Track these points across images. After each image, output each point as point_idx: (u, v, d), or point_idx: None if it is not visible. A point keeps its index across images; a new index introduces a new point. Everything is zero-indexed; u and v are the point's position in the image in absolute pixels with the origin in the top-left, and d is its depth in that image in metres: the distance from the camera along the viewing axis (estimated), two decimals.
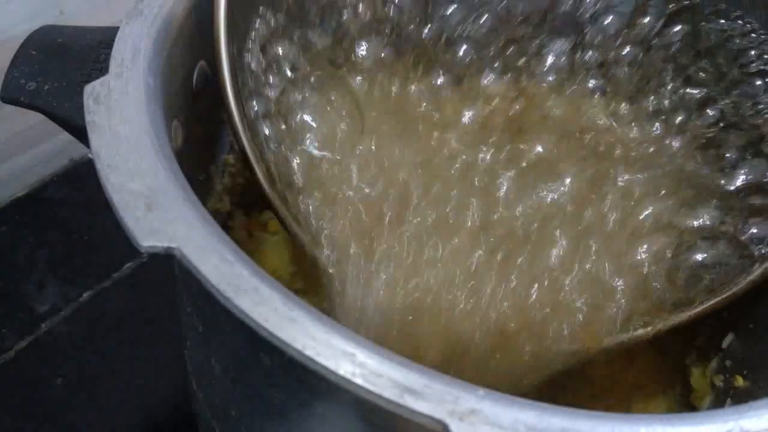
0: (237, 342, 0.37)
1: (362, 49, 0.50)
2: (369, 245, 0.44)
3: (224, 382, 0.42)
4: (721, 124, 0.48)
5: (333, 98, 0.49)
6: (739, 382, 0.48)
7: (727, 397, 0.49)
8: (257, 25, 0.46)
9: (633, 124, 0.50)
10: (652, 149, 0.49)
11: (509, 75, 0.51)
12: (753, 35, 0.46)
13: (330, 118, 0.48)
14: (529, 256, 0.45)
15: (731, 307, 0.51)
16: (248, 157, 0.43)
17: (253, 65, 0.46)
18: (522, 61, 0.51)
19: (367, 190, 0.46)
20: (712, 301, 0.45)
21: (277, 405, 0.37)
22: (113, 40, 0.38)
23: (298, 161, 0.47)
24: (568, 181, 0.48)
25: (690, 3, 0.48)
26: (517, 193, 0.47)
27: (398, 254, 0.44)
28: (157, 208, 0.30)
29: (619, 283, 0.45)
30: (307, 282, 0.63)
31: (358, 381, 0.27)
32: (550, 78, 0.51)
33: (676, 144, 0.49)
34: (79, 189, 0.83)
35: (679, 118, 0.50)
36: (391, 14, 0.49)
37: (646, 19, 0.49)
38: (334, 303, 0.44)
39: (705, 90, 0.49)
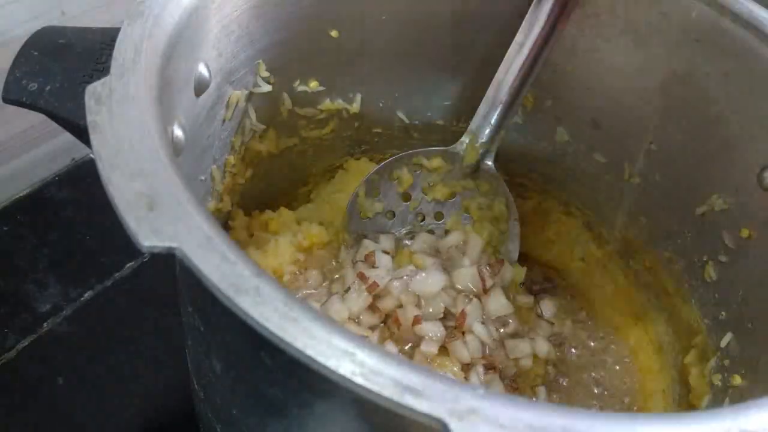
0: (238, 341, 0.37)
1: None
2: None
3: (225, 381, 0.42)
4: None
5: None
6: (738, 381, 0.48)
7: (726, 396, 0.49)
8: None
9: None
10: None
11: None
12: None
13: None
14: None
15: (730, 307, 0.52)
16: None
17: None
18: None
19: None
20: None
21: (277, 404, 0.37)
22: (114, 41, 0.38)
23: None
24: None
25: None
26: None
27: None
28: (158, 208, 0.30)
29: None
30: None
31: (359, 380, 0.27)
32: None
33: None
34: (80, 189, 0.83)
35: None
36: None
37: None
38: None
39: None
